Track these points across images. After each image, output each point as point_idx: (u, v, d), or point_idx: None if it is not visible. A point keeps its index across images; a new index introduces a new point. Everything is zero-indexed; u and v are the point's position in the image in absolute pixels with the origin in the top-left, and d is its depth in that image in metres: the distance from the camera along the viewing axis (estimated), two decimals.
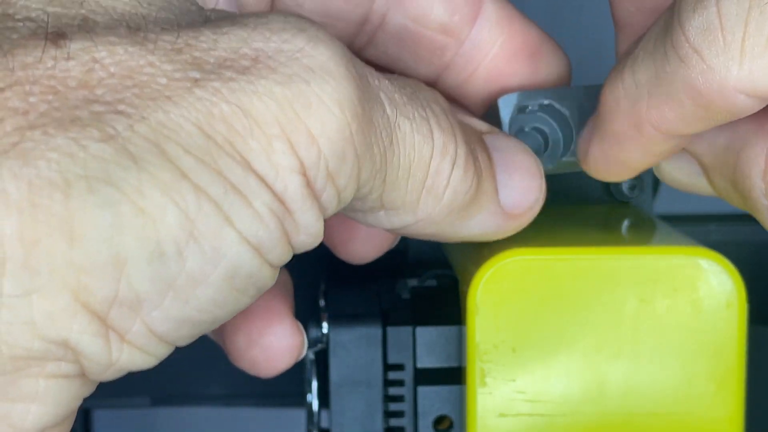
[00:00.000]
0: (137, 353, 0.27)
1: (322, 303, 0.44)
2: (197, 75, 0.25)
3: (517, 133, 0.36)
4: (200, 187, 0.24)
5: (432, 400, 0.40)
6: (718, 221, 0.49)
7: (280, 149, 0.25)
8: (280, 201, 0.26)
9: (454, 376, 0.39)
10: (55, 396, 0.25)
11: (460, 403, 0.39)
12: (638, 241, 0.41)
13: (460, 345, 0.39)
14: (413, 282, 0.44)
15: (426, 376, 0.40)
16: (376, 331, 0.40)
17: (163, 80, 0.25)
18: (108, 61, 0.25)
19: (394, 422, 0.40)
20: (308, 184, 0.26)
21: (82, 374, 0.26)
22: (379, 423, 0.40)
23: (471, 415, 0.37)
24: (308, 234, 0.27)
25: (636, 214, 0.44)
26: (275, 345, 0.34)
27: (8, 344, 0.24)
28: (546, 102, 0.36)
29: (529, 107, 0.36)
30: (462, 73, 0.36)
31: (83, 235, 0.23)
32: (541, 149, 0.36)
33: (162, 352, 0.27)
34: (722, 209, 0.50)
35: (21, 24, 0.26)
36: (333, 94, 0.26)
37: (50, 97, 0.24)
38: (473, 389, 0.36)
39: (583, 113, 0.36)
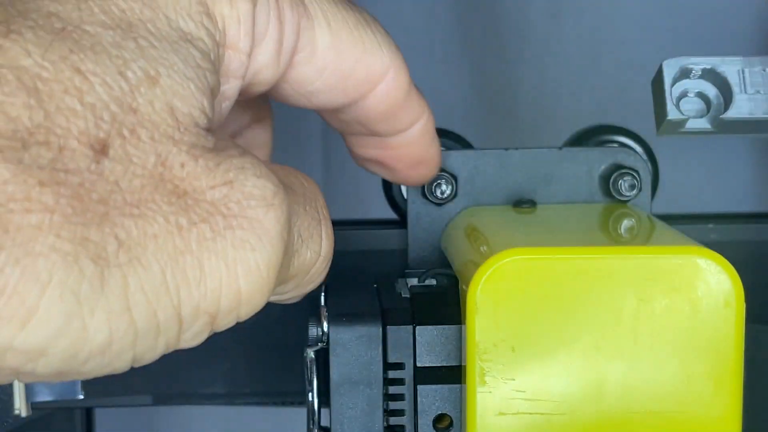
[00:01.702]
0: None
1: (322, 302, 0.44)
2: (184, 223, 0.30)
3: (681, 97, 0.38)
4: (135, 321, 0.29)
5: (432, 398, 0.40)
6: (716, 221, 0.49)
7: (210, 301, 0.31)
8: (179, 338, 0.31)
9: (453, 374, 0.39)
10: None
11: (460, 402, 0.39)
12: (637, 240, 0.41)
13: (459, 344, 0.39)
14: (413, 281, 0.45)
15: (426, 375, 0.40)
16: (376, 330, 0.40)
17: (161, 220, 0.30)
18: (127, 188, 0.29)
19: (394, 421, 0.40)
20: (212, 324, 0.32)
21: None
22: (379, 421, 0.40)
23: (471, 414, 0.37)
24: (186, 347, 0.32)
25: (635, 214, 0.44)
26: None
27: None
28: (708, 66, 0.37)
29: (693, 71, 0.37)
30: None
31: (32, 327, 0.28)
32: (703, 113, 0.38)
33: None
34: (721, 209, 0.51)
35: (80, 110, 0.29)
36: (268, 260, 0.32)
37: (75, 205, 0.28)
38: (473, 388, 0.37)
39: (743, 78, 0.37)
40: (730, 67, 0.38)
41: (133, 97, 0.30)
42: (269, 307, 0.49)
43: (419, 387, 0.40)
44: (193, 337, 0.32)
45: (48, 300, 0.28)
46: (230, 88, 0.34)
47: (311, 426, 0.42)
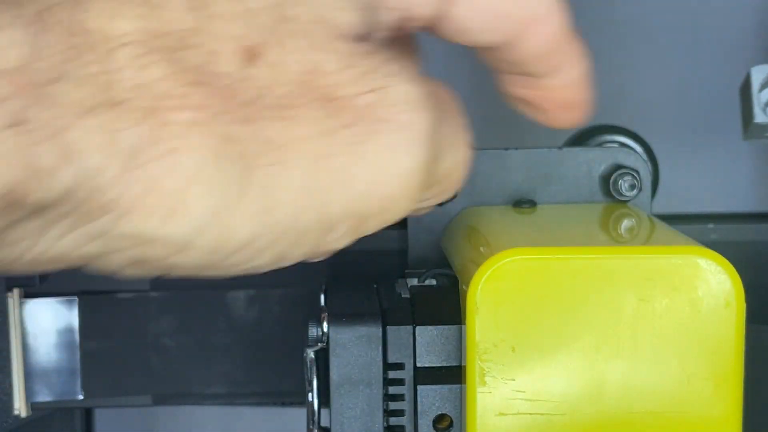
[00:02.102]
0: None
1: (322, 302, 0.44)
2: (333, 126, 0.31)
3: (766, 105, 0.38)
4: (278, 222, 0.30)
5: (432, 398, 0.40)
6: (716, 221, 0.49)
7: (359, 204, 0.32)
8: (326, 243, 0.33)
9: (453, 375, 0.39)
10: None
11: (460, 402, 0.39)
12: (637, 240, 0.41)
13: (459, 344, 0.39)
14: (413, 282, 0.45)
15: (426, 375, 0.40)
16: (376, 331, 0.40)
17: (310, 124, 0.30)
18: (279, 89, 0.30)
19: (394, 421, 0.40)
20: (357, 228, 0.32)
21: None
22: (379, 422, 0.40)
23: (471, 414, 0.37)
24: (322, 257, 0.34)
25: (635, 214, 0.44)
26: None
27: None
28: None
29: None
30: None
31: (177, 220, 0.29)
32: None
33: None
34: (721, 209, 0.51)
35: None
36: (414, 165, 0.32)
37: (226, 104, 0.29)
38: (473, 388, 0.36)
39: None
40: None
41: (288, 5, 0.30)
42: (269, 307, 0.49)
43: (419, 387, 0.40)
44: (337, 240, 0.32)
45: (194, 193, 0.28)
46: (387, 18, 0.34)
47: (311, 426, 0.42)
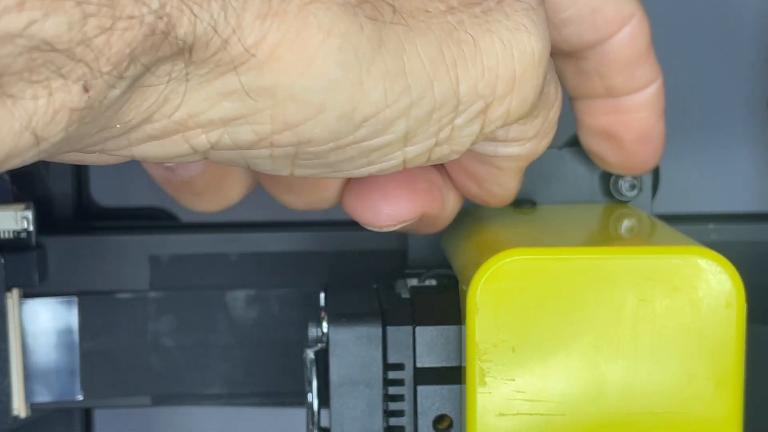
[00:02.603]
0: None
1: (322, 302, 0.44)
2: (454, 3, 0.31)
3: None
4: (410, 87, 0.30)
5: (432, 399, 0.40)
6: (716, 221, 0.49)
7: (487, 81, 0.31)
8: (455, 118, 0.31)
9: (453, 375, 0.39)
10: None
11: (460, 403, 0.39)
12: (637, 240, 0.41)
13: (459, 344, 0.39)
14: (413, 282, 0.44)
15: (426, 376, 0.40)
16: (376, 331, 0.40)
17: None
18: None
19: (393, 421, 0.40)
20: (484, 112, 0.31)
21: None
22: (379, 422, 0.40)
23: (471, 415, 0.37)
24: (451, 154, 0.33)
25: (635, 214, 0.44)
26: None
27: None
28: None
29: None
30: None
31: (312, 74, 0.28)
32: None
33: None
34: (721, 209, 0.51)
35: None
36: (540, 48, 0.32)
37: None
38: (473, 388, 0.36)
39: None
40: None
41: None
42: (269, 306, 0.49)
43: (419, 387, 0.40)
44: (465, 124, 0.32)
45: (327, 49, 0.28)
46: None
47: (311, 426, 0.42)
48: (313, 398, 0.42)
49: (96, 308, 0.48)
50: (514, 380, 0.36)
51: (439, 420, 0.40)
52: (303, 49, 0.28)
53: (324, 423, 0.42)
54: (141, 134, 0.29)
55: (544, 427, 0.37)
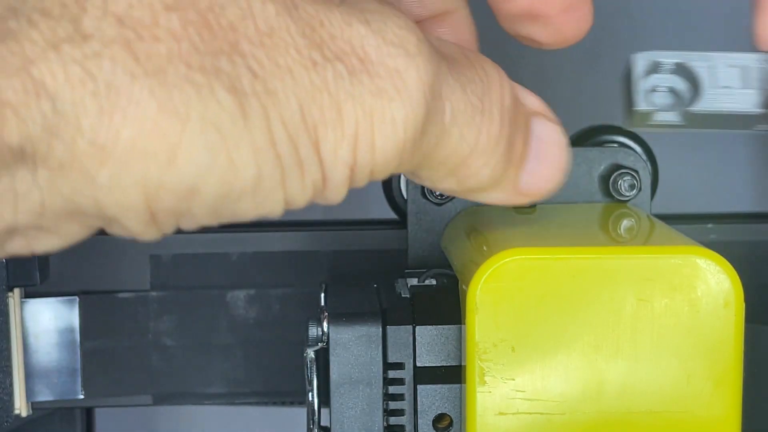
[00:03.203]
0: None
1: (322, 302, 0.44)
2: (318, 59, 0.29)
3: (651, 91, 0.37)
4: (280, 156, 0.28)
5: (432, 398, 0.40)
6: (715, 221, 0.49)
7: (347, 148, 0.29)
8: (324, 182, 0.30)
9: (453, 374, 0.40)
10: None
11: (460, 402, 0.39)
12: (637, 240, 0.41)
13: (459, 344, 0.39)
14: (413, 281, 0.45)
15: (426, 375, 0.40)
16: (376, 330, 0.40)
17: (294, 53, 0.28)
18: (259, 13, 0.28)
19: (393, 420, 0.40)
20: (350, 177, 0.30)
21: None
22: (379, 421, 0.40)
23: (470, 414, 0.37)
24: (329, 203, 0.31)
25: (635, 214, 0.44)
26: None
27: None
28: (679, 61, 0.37)
29: (663, 65, 0.37)
30: None
31: (179, 164, 0.27)
32: (672, 107, 0.38)
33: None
34: (720, 209, 0.51)
35: None
36: (405, 116, 0.30)
37: (203, 33, 0.27)
38: (473, 388, 0.37)
39: (714, 73, 0.37)
40: (700, 63, 0.38)
41: None
42: (269, 307, 0.49)
43: (419, 387, 0.40)
44: (336, 188, 0.30)
45: (190, 134, 0.27)
46: None
47: (311, 426, 0.42)
48: (313, 397, 0.42)
49: (97, 308, 0.48)
50: (513, 379, 0.36)
51: (438, 419, 0.40)
52: (164, 139, 0.27)
53: (324, 422, 0.42)
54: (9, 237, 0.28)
55: (543, 426, 0.37)
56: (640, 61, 0.37)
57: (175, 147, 0.27)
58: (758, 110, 0.38)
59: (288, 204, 0.29)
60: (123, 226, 0.29)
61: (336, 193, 0.30)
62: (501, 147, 0.33)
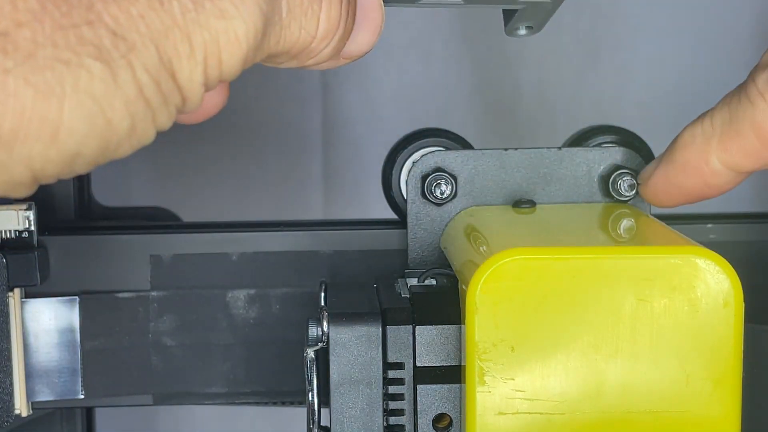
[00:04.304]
0: None
1: (322, 302, 0.44)
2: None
3: None
4: (148, 99, 0.30)
5: (432, 398, 0.40)
6: (715, 221, 0.49)
7: (199, 71, 0.31)
8: (184, 102, 0.32)
9: (453, 374, 0.40)
10: None
11: (460, 402, 0.39)
12: (636, 240, 0.41)
13: (459, 344, 0.39)
14: (413, 281, 0.45)
15: (425, 375, 0.40)
16: (376, 330, 0.40)
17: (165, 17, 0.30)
18: None
19: (393, 420, 0.41)
20: (204, 86, 0.32)
21: None
22: (379, 421, 0.40)
23: (470, 414, 0.37)
24: (189, 112, 0.33)
25: (634, 214, 0.44)
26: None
27: None
28: None
29: None
30: None
31: (62, 138, 0.29)
32: None
33: None
34: (719, 209, 0.51)
35: None
36: (246, 30, 0.32)
37: (61, 5, 0.28)
38: (472, 388, 0.37)
39: None
40: None
41: None
42: (269, 306, 0.49)
43: (419, 387, 0.40)
44: (193, 103, 0.32)
45: (69, 110, 0.28)
46: None
47: (311, 426, 0.42)
48: (313, 397, 0.42)
49: (97, 308, 0.48)
50: (513, 379, 0.37)
51: (438, 419, 0.40)
52: (45, 121, 0.28)
53: (324, 422, 0.42)
54: None
55: (543, 426, 0.37)
56: None
57: (56, 124, 0.28)
58: None
59: (158, 130, 0.32)
60: (5, 193, 0.30)
61: (193, 105, 0.32)
62: (341, 29, 0.36)
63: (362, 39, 0.37)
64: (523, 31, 0.42)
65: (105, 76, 0.29)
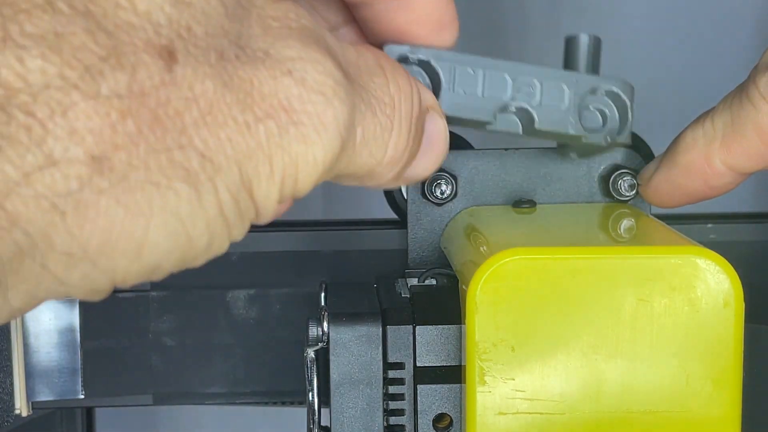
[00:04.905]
0: None
1: (322, 302, 0.44)
2: (251, 121, 0.31)
3: None
4: (227, 218, 0.31)
5: (432, 398, 0.40)
6: (715, 221, 0.49)
7: (276, 190, 0.32)
8: (258, 217, 0.32)
9: (453, 374, 0.40)
10: None
11: (460, 401, 0.39)
12: (636, 240, 0.41)
13: (459, 344, 0.39)
14: (413, 281, 0.45)
15: (426, 375, 0.40)
16: (376, 330, 0.40)
17: (231, 123, 0.30)
18: (200, 94, 0.30)
19: (394, 420, 0.41)
20: (278, 203, 0.32)
21: None
22: (379, 421, 0.40)
23: (470, 413, 0.37)
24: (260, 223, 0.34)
25: (634, 214, 0.44)
26: None
27: None
28: (424, 58, 0.38)
29: (410, 59, 0.38)
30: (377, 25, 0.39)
31: (145, 254, 0.29)
32: None
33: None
34: (719, 209, 0.51)
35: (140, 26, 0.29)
36: (324, 155, 0.32)
37: (156, 130, 0.29)
38: (473, 387, 0.37)
39: (453, 74, 0.39)
40: (444, 63, 0.39)
41: None
42: (269, 306, 0.49)
43: (419, 386, 0.40)
44: (266, 218, 0.33)
45: (154, 230, 0.29)
46: None
47: (311, 425, 0.42)
48: (313, 397, 0.42)
49: (97, 308, 0.48)
50: (513, 379, 0.37)
51: (438, 419, 0.40)
52: (131, 239, 0.29)
53: (324, 422, 0.42)
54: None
55: (543, 426, 0.37)
56: (389, 53, 0.39)
57: (141, 242, 0.29)
58: (486, 119, 0.39)
59: (232, 242, 0.32)
60: (84, 297, 0.30)
61: (267, 219, 0.33)
62: (405, 157, 0.36)
63: (424, 165, 0.38)
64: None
65: (191, 198, 0.29)
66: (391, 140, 0.36)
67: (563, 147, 0.44)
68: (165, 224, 0.29)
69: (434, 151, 0.38)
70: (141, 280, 0.30)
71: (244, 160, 0.31)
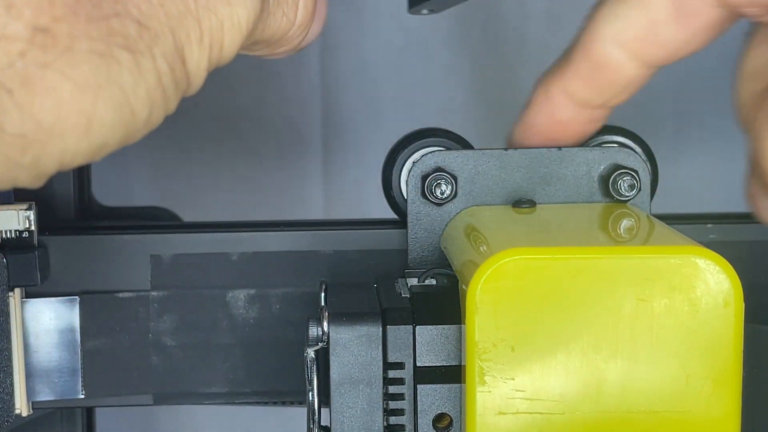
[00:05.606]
0: None
1: (322, 302, 0.44)
2: None
3: None
4: (164, 87, 0.31)
5: (432, 398, 0.40)
6: (715, 221, 0.49)
7: (205, 57, 0.32)
8: (189, 86, 0.33)
9: (453, 374, 0.40)
10: None
11: (460, 401, 0.39)
12: (636, 240, 0.41)
13: (459, 344, 0.39)
14: (413, 281, 0.45)
15: (426, 375, 0.40)
16: (376, 330, 0.40)
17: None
18: None
19: (394, 420, 0.41)
20: (207, 71, 0.33)
21: None
22: (379, 421, 0.40)
23: (470, 413, 0.37)
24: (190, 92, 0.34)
25: (634, 214, 0.44)
26: None
27: None
28: None
29: None
30: None
31: (93, 130, 0.29)
32: None
33: None
34: (719, 209, 0.51)
35: None
36: (247, 16, 0.33)
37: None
38: (473, 387, 0.37)
39: None
40: None
41: None
42: (269, 306, 0.49)
43: (419, 386, 0.40)
44: (196, 86, 0.33)
45: (102, 103, 0.29)
46: None
47: (311, 426, 0.42)
48: (313, 397, 0.42)
49: (97, 307, 0.48)
50: (513, 379, 0.37)
51: (439, 419, 0.40)
52: (81, 114, 0.29)
53: (324, 422, 0.42)
54: None
55: (543, 426, 0.37)
56: None
57: (90, 117, 0.29)
58: None
59: (167, 113, 0.33)
60: (27, 185, 0.30)
61: (195, 90, 0.33)
62: (317, 17, 0.38)
63: (315, 29, 0.38)
64: (425, 11, 0.45)
65: (131, 66, 0.30)
66: (301, 1, 0.37)
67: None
68: (111, 96, 0.29)
69: (322, 14, 0.39)
70: (86, 161, 0.30)
71: (176, 26, 0.31)
